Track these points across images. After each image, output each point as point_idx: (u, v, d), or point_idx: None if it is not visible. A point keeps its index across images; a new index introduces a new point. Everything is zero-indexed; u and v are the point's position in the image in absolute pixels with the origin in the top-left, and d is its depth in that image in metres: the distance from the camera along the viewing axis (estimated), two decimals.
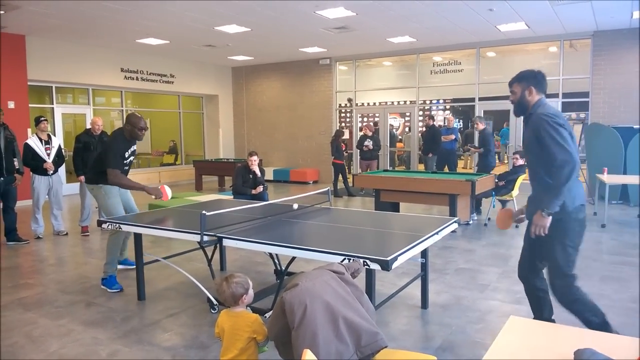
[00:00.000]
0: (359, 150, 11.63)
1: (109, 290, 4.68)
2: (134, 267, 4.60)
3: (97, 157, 5.05)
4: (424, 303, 4.15)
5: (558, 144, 2.91)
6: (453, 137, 10.30)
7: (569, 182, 2.92)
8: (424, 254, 4.01)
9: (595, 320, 3.14)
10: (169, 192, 4.99)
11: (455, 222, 4.01)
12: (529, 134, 3.09)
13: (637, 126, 9.40)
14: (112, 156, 4.68)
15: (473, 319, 3.90)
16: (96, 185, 4.86)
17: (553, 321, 3.31)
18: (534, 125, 3.02)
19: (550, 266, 3.20)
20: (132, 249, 4.66)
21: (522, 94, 3.17)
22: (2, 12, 8.31)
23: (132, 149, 4.94)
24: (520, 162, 7.83)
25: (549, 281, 3.23)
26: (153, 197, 4.88)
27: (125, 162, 4.86)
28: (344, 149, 11.35)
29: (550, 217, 3.00)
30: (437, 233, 3.59)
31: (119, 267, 5.20)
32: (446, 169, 10.10)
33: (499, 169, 10.78)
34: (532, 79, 3.16)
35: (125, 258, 5.33)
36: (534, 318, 3.33)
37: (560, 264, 3.13)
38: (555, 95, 11.13)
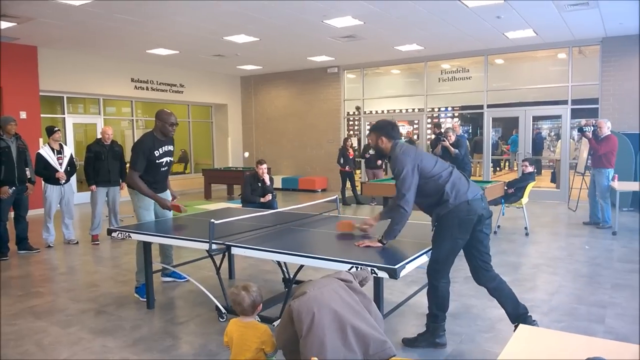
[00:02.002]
0: (364, 159, 11.61)
1: (141, 299, 4.63)
2: (185, 280, 4.75)
3: None
4: None
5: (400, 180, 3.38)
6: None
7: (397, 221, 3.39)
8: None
9: (435, 313, 3.46)
10: (182, 210, 4.89)
11: None
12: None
13: None
14: (135, 156, 4.57)
15: (482, 328, 3.87)
16: (132, 190, 4.76)
17: (530, 317, 3.47)
18: (393, 165, 3.45)
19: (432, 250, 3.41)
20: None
21: (377, 142, 3.55)
22: (15, 23, 8.45)
23: (164, 149, 4.73)
24: (530, 169, 7.79)
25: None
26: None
27: (158, 162, 4.69)
28: (351, 157, 11.33)
29: (380, 244, 3.41)
30: None
31: (166, 279, 5.22)
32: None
33: (508, 176, 10.72)
34: (381, 130, 3.51)
35: (173, 271, 5.16)
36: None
37: (433, 251, 3.39)
38: (565, 102, 11.08)
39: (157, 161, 4.68)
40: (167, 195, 4.97)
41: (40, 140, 10.20)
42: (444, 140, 8.91)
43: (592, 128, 7.95)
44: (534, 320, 3.53)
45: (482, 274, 3.47)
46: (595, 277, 5.19)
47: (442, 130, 11.19)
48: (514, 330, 3.23)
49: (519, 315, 3.45)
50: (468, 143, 11.58)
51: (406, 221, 3.40)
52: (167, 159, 4.82)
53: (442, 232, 3.35)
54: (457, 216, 3.29)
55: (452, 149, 8.63)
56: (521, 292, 4.68)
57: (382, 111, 14.17)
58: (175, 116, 4.79)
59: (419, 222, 3.90)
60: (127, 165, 5.36)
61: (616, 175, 7.83)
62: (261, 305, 2.62)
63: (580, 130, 8.17)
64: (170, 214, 5.02)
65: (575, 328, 3.79)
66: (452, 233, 3.30)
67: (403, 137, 14.51)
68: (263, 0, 7.45)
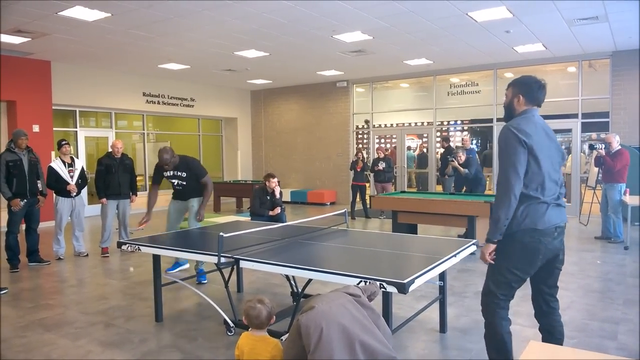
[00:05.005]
0: (373, 173, 11.59)
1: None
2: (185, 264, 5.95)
3: None
4: (443, 327, 4.09)
5: (507, 159, 2.75)
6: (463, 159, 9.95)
7: (505, 204, 2.72)
8: (442, 276, 3.97)
9: (493, 357, 2.93)
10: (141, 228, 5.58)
11: (473, 244, 3.97)
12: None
13: None
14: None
15: None
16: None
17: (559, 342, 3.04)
18: (500, 135, 2.87)
19: (486, 277, 3.01)
20: (148, 271, 4.71)
21: (511, 101, 2.99)
22: (29, 39, 8.61)
23: (168, 173, 5.65)
24: None
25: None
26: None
27: (170, 180, 5.73)
28: (359, 169, 11.31)
29: (492, 245, 2.84)
30: (455, 255, 3.56)
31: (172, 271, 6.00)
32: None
33: None
34: (524, 86, 2.94)
35: (176, 263, 6.20)
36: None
37: (489, 280, 2.95)
38: (575, 116, 11.03)
39: (169, 180, 5.77)
40: (193, 207, 5.83)
41: (53, 153, 10.32)
42: (452, 161, 8.87)
43: (603, 144, 7.89)
44: None
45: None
46: (607, 293, 5.12)
47: (451, 144, 11.18)
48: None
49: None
50: (478, 157, 11.52)
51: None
52: (174, 181, 5.72)
53: None
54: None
55: (462, 169, 8.59)
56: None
57: (391, 124, 14.19)
58: (164, 157, 5.47)
59: (429, 236, 3.88)
60: (137, 178, 6.68)
61: (627, 190, 7.76)
62: (274, 317, 2.63)
63: (592, 147, 8.08)
64: (193, 223, 5.79)
65: (587, 344, 3.74)
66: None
67: (412, 151, 14.57)
68: (273, 16, 7.55)
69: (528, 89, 2.91)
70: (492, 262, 2.89)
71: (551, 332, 3.02)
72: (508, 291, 2.90)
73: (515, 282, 2.87)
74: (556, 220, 2.80)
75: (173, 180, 5.70)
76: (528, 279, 2.99)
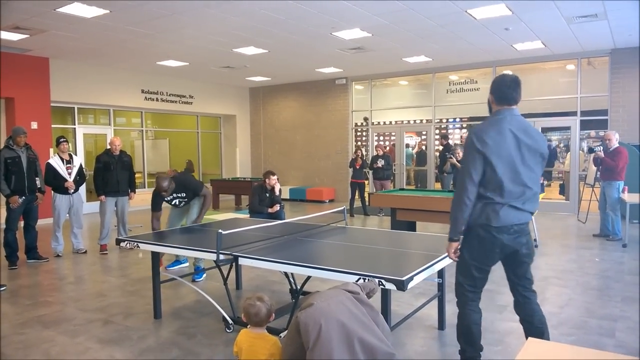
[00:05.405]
0: (372, 171, 11.59)
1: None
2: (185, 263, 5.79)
3: None
4: (441, 324, 4.10)
5: (464, 164, 2.95)
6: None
7: (459, 207, 2.91)
8: (440, 273, 3.98)
9: (465, 349, 3.13)
10: None
11: None
12: None
13: None
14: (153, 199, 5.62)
15: (491, 341, 3.82)
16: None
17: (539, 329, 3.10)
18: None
19: (455, 270, 3.18)
20: (147, 268, 4.71)
21: (489, 101, 3.06)
22: (28, 35, 8.59)
23: (168, 198, 5.64)
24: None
25: None
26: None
27: (171, 203, 5.79)
28: (358, 167, 11.30)
29: (454, 243, 3.01)
30: None
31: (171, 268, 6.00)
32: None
33: None
34: (493, 86, 2.99)
35: (176, 260, 6.21)
36: None
37: (457, 271, 3.14)
38: (574, 114, 11.04)
39: (170, 203, 5.83)
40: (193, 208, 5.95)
41: (51, 150, 10.30)
42: (450, 157, 8.87)
43: (601, 146, 7.88)
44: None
45: None
46: (606, 290, 5.13)
47: (450, 142, 11.18)
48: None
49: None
50: None
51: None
52: (175, 201, 5.76)
53: None
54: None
55: (459, 165, 8.59)
56: None
57: (390, 122, 14.18)
58: (165, 182, 5.42)
59: (427, 233, 3.88)
60: (136, 175, 6.09)
61: (626, 187, 7.77)
62: (273, 315, 2.63)
63: (591, 150, 8.04)
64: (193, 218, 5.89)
65: (585, 341, 3.75)
66: None
67: (411, 148, 14.57)
68: (272, 13, 7.53)
69: (496, 89, 2.97)
70: (456, 259, 3.08)
71: (530, 321, 3.10)
72: (473, 281, 3.07)
73: (477, 271, 3.04)
74: (512, 219, 2.93)
75: (174, 202, 5.77)
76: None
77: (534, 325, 3.07)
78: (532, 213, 3.02)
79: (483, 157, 2.86)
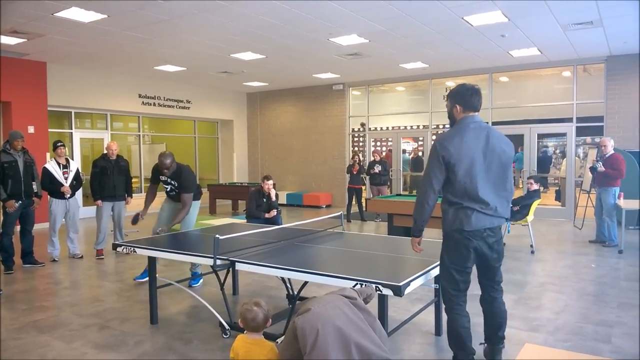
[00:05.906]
0: (369, 176, 11.60)
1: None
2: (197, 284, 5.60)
3: None
4: (438, 330, 4.10)
5: (426, 170, 3.16)
6: None
7: (419, 210, 3.18)
8: (437, 279, 3.97)
9: (457, 353, 3.21)
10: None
11: None
12: None
13: None
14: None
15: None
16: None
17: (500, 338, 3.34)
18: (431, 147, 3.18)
19: (439, 276, 3.33)
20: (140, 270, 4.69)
21: (451, 111, 3.25)
22: (25, 39, 8.59)
23: (164, 178, 5.58)
24: (535, 186, 7.78)
25: None
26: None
27: (164, 185, 5.71)
28: (355, 172, 11.30)
29: (416, 238, 3.30)
30: None
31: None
32: None
33: (514, 194, 10.66)
34: (458, 96, 3.19)
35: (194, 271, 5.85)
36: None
37: (441, 277, 3.28)
38: (570, 120, 11.09)
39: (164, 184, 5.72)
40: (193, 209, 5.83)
41: (48, 154, 10.28)
42: None
43: (601, 162, 7.79)
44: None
45: None
46: (602, 296, 5.15)
47: None
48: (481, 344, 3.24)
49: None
50: None
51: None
52: (168, 187, 5.67)
53: None
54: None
55: None
56: (527, 311, 4.65)
57: (387, 127, 14.22)
58: (167, 160, 5.38)
59: (424, 239, 3.90)
60: (132, 180, 6.52)
61: (622, 194, 7.80)
62: (270, 320, 2.63)
63: (594, 169, 7.91)
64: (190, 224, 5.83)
65: (581, 347, 3.75)
66: None
67: (408, 154, 14.60)
68: (270, 19, 7.56)
69: (461, 98, 3.18)
70: (418, 251, 3.34)
71: (492, 317, 3.34)
72: (456, 285, 3.18)
73: (457, 274, 3.16)
74: (485, 223, 3.10)
75: (167, 186, 5.70)
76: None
77: (495, 321, 3.33)
78: (505, 217, 3.18)
79: (447, 163, 3.03)
